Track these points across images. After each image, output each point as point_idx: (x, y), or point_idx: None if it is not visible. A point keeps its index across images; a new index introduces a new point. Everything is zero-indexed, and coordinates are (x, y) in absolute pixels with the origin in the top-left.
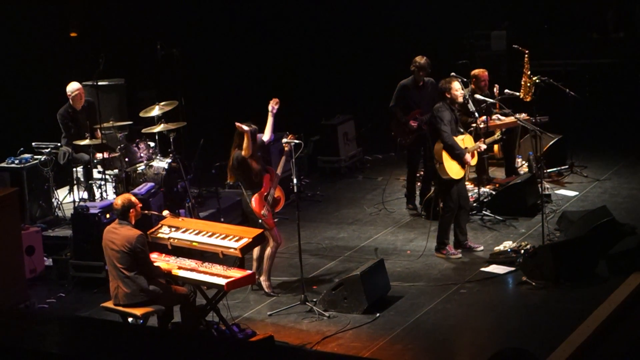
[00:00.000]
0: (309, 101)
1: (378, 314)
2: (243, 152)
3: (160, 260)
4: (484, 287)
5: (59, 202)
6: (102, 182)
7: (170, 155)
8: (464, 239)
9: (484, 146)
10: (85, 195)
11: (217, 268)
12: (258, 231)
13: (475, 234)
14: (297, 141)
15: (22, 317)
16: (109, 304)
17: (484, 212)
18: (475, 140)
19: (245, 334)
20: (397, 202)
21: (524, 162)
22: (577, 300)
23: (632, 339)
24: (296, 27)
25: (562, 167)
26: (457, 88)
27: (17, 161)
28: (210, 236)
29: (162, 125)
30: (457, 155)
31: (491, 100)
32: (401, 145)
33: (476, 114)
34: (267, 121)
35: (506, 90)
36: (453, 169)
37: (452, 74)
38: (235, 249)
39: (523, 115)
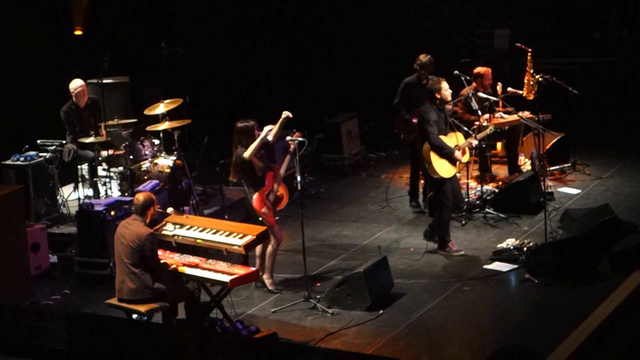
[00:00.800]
0: (312, 99)
1: (381, 311)
2: (247, 153)
3: (165, 257)
4: (487, 284)
5: (64, 200)
6: (107, 180)
7: (175, 152)
8: (450, 239)
9: (475, 142)
10: (90, 192)
11: (221, 265)
12: (262, 228)
13: (478, 232)
14: (301, 139)
15: (27, 313)
16: (114, 301)
17: (487, 209)
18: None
19: (249, 331)
20: (400, 200)
21: (526, 160)
22: (579, 298)
23: (634, 337)
24: (300, 25)
25: (565, 165)
26: (446, 88)
27: (22, 158)
28: (214, 233)
29: (166, 123)
30: (446, 154)
31: (494, 99)
32: (405, 142)
33: (479, 112)
34: (278, 124)
35: (509, 89)
36: (443, 168)
37: (455, 72)
38: (239, 246)
39: (526, 114)
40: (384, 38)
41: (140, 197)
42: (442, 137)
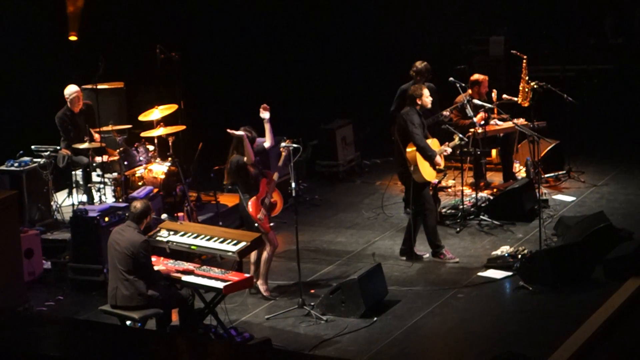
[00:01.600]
0: (307, 105)
1: (375, 318)
2: (245, 159)
3: (159, 264)
4: (481, 291)
5: (58, 205)
6: (101, 186)
7: (169, 159)
8: (414, 245)
9: (449, 149)
10: (84, 198)
11: (215, 271)
12: (256, 235)
13: (472, 239)
14: (295, 145)
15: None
16: (108, 307)
17: (481, 216)
18: (474, 145)
19: (243, 338)
20: (395, 207)
21: (521, 167)
22: (574, 305)
23: (628, 344)
24: (295, 31)
25: (560, 173)
26: (427, 95)
27: (16, 164)
28: (208, 240)
29: (161, 129)
30: (429, 157)
31: (489, 106)
32: None
33: (474, 119)
34: (265, 128)
35: (504, 96)
36: (427, 171)
37: (451, 78)
38: (233, 252)
39: (521, 121)
40: (379, 44)
41: (138, 204)
42: None
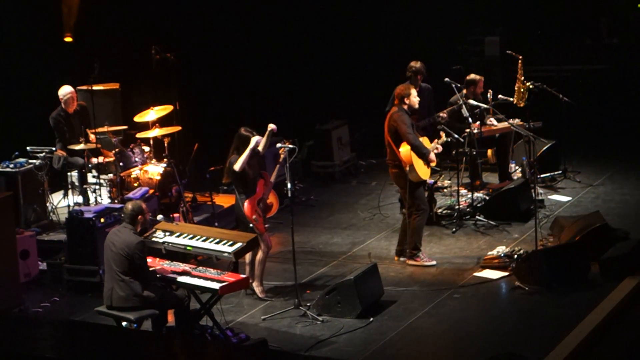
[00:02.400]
0: (303, 106)
1: (371, 319)
2: (236, 165)
3: (155, 265)
4: (477, 292)
5: (54, 207)
6: (97, 187)
7: (165, 159)
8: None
9: (440, 147)
10: (79, 199)
11: (211, 272)
12: (252, 236)
13: (468, 239)
14: (291, 146)
15: (16, 321)
16: (103, 308)
17: (477, 217)
18: (470, 145)
19: (239, 339)
20: (391, 207)
21: (517, 167)
22: (570, 305)
23: (624, 344)
24: (291, 32)
25: (556, 173)
26: (415, 94)
27: (11, 165)
28: (204, 240)
29: (156, 130)
30: (424, 155)
31: (485, 106)
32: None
33: (470, 120)
34: (265, 136)
35: (500, 96)
36: (422, 170)
37: (446, 79)
38: (229, 253)
39: (517, 121)
40: (374, 45)
41: (129, 205)
42: None
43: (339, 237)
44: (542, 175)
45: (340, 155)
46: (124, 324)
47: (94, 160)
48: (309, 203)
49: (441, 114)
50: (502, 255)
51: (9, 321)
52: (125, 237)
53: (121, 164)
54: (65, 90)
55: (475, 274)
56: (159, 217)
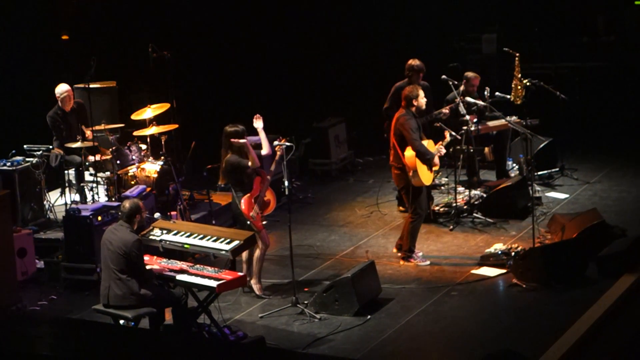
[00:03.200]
0: (300, 104)
1: (369, 316)
2: (249, 163)
3: (152, 263)
4: (475, 289)
5: (51, 205)
6: (94, 185)
7: (162, 157)
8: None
9: (443, 150)
10: (77, 197)
11: (209, 270)
12: (249, 233)
13: (465, 236)
14: (288, 144)
15: (14, 319)
16: (101, 306)
17: (474, 214)
18: (467, 143)
19: (237, 336)
20: (388, 205)
21: (514, 164)
22: (567, 303)
23: (622, 341)
24: (288, 30)
25: (553, 170)
26: (422, 95)
27: (9, 163)
28: (201, 238)
29: (153, 128)
30: (428, 160)
31: (482, 103)
32: None
33: (467, 117)
34: (260, 137)
35: (497, 93)
36: (425, 176)
37: (443, 76)
38: (226, 251)
39: (514, 118)
40: (371, 43)
41: (127, 204)
42: None
43: (337, 234)
44: (539, 173)
45: (338, 153)
46: (121, 322)
47: (91, 158)
48: (306, 201)
49: (443, 110)
50: (500, 252)
51: (6, 319)
52: (122, 235)
53: (118, 161)
54: (62, 89)
55: (473, 271)
56: (156, 215)
